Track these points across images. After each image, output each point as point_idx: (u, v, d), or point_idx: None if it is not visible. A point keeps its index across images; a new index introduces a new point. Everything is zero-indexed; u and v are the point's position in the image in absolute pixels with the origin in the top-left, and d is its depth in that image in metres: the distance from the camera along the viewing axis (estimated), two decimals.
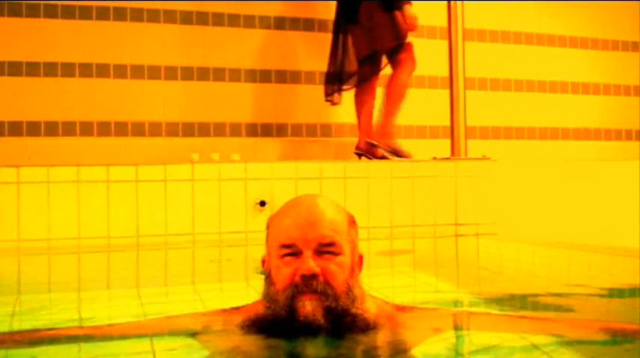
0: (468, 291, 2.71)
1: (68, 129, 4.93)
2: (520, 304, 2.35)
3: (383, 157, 4.83)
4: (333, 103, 5.17)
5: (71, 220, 3.83)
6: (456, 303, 2.37)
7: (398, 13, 4.82)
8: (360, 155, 4.96)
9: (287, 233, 1.61)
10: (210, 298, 2.53)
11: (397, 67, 4.97)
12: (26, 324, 2.13)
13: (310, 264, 1.56)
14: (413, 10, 4.85)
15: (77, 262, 3.70)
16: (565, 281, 3.00)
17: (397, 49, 4.92)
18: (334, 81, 5.13)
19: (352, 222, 1.68)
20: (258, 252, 4.09)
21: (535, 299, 2.45)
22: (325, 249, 1.59)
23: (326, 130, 5.50)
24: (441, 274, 3.27)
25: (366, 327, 1.59)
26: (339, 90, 5.12)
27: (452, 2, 4.89)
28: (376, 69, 5.03)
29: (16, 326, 2.09)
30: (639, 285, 2.70)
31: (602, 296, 2.57)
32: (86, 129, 4.97)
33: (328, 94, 5.15)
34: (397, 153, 4.86)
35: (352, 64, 5.08)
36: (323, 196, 1.72)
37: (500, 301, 2.40)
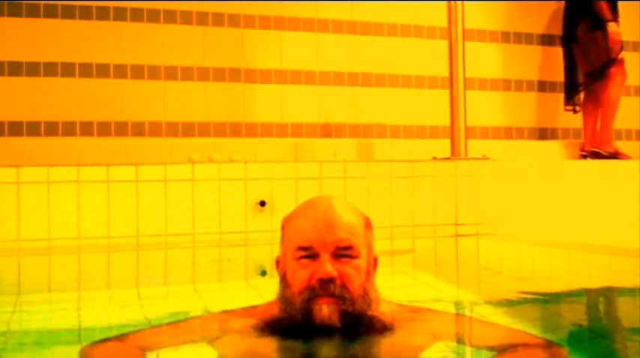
0: (468, 291, 2.71)
1: (68, 129, 4.93)
2: (520, 304, 2.35)
3: (610, 157, 5.46)
4: (575, 111, 5.78)
5: (71, 220, 3.82)
6: (456, 304, 2.37)
7: (608, 30, 5.39)
8: (585, 156, 5.58)
9: (304, 235, 1.59)
10: (210, 298, 2.53)
11: (608, 80, 5.49)
12: (26, 324, 2.13)
13: (328, 267, 1.55)
14: (615, 27, 5.42)
15: (77, 262, 3.70)
16: (565, 281, 3.00)
17: (609, 63, 5.44)
18: (569, 91, 5.80)
19: (368, 224, 1.68)
20: (259, 251, 4.11)
21: (535, 299, 2.45)
22: (342, 252, 1.57)
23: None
24: (441, 274, 3.27)
25: (383, 328, 1.59)
26: (574, 99, 5.78)
27: (452, 2, 4.90)
28: (596, 82, 5.57)
29: (16, 326, 2.09)
30: (639, 285, 2.70)
31: (601, 296, 2.57)
32: (86, 129, 4.97)
33: (567, 103, 5.80)
34: (617, 157, 5.46)
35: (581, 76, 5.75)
36: (338, 197, 1.70)
37: (500, 301, 2.39)
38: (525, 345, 1.52)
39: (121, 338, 1.63)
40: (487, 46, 6.03)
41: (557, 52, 6.22)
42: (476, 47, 5.76)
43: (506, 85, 6.11)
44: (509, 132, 6.08)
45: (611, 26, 5.41)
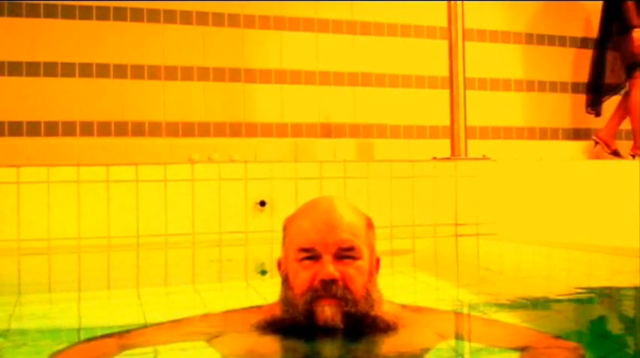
0: (468, 291, 2.71)
1: (68, 129, 4.93)
2: (520, 304, 2.35)
3: (614, 153, 5.65)
4: (597, 115, 5.85)
5: (71, 220, 3.82)
6: (456, 303, 2.37)
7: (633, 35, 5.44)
8: (634, 156, 5.64)
9: (306, 236, 1.58)
10: (210, 298, 2.52)
11: (632, 85, 5.55)
12: (26, 324, 2.13)
13: (330, 268, 1.54)
14: (639, 34, 5.44)
15: (77, 262, 3.70)
16: (565, 281, 3.00)
17: (633, 67, 5.50)
18: (595, 92, 5.83)
19: (370, 224, 1.67)
20: (259, 251, 4.10)
21: (535, 299, 2.45)
22: (345, 253, 1.57)
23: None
24: (441, 274, 3.27)
25: (387, 328, 1.59)
26: (600, 101, 5.84)
27: (452, 2, 4.90)
28: (623, 83, 5.68)
29: (16, 326, 2.09)
30: (639, 285, 2.70)
31: (601, 296, 2.57)
32: (86, 129, 4.97)
33: (592, 105, 5.84)
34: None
35: (610, 77, 5.80)
36: (340, 198, 1.70)
37: (500, 301, 2.40)
38: (545, 344, 1.51)
39: (120, 335, 1.64)
40: (488, 46, 6.03)
41: (559, 53, 6.24)
42: (476, 47, 5.76)
43: (506, 84, 6.11)
44: (509, 132, 6.08)
45: (637, 32, 5.44)
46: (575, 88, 6.28)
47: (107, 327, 1.81)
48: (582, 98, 6.25)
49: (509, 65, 6.12)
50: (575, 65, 6.29)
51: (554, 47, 6.24)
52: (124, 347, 1.56)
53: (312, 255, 1.57)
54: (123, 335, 1.63)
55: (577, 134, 6.23)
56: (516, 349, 1.49)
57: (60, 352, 1.54)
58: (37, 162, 4.17)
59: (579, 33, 6.33)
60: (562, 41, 6.26)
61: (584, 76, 6.25)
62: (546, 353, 1.47)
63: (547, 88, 6.22)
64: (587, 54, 6.27)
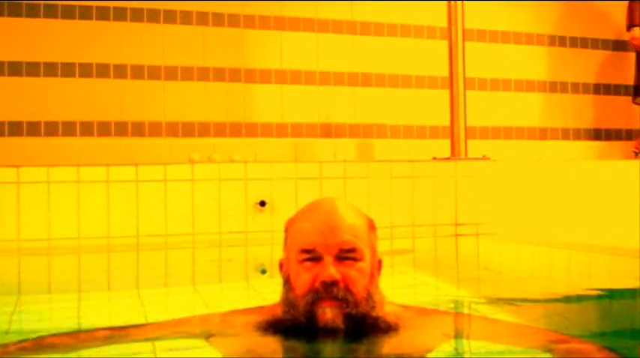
0: (468, 291, 2.71)
1: (68, 129, 4.93)
2: (520, 304, 2.35)
3: None
4: None
5: (71, 220, 3.82)
6: (456, 304, 2.37)
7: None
8: (637, 154, 5.72)
9: (307, 238, 1.59)
10: (210, 298, 2.53)
11: None
12: (26, 324, 2.12)
13: (331, 270, 1.54)
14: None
15: (77, 262, 3.70)
16: (565, 281, 3.00)
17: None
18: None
19: (371, 226, 1.67)
20: (259, 251, 4.10)
21: (535, 299, 2.45)
22: (346, 254, 1.57)
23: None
24: (441, 274, 3.27)
25: (388, 328, 1.59)
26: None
27: (452, 2, 4.90)
28: None
29: (16, 326, 2.09)
30: (639, 285, 2.70)
31: (601, 296, 2.57)
32: (86, 129, 4.97)
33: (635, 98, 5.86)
34: None
35: None
36: (342, 199, 1.70)
37: (500, 301, 2.40)
38: (560, 344, 1.51)
39: (118, 330, 1.65)
40: (488, 46, 6.03)
41: (560, 53, 6.24)
42: (477, 47, 5.76)
43: (506, 84, 6.11)
44: (508, 132, 6.08)
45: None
46: (575, 88, 6.28)
47: (107, 327, 1.81)
48: (584, 98, 6.27)
49: (509, 65, 6.12)
50: (576, 65, 6.29)
51: (554, 47, 6.24)
52: (116, 339, 1.57)
53: (313, 257, 1.57)
54: (120, 331, 1.64)
55: (576, 134, 6.23)
56: (527, 347, 1.49)
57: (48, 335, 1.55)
58: (37, 162, 4.17)
59: (582, 34, 6.32)
60: (562, 41, 6.26)
61: (585, 77, 6.26)
62: (580, 351, 1.47)
63: (547, 89, 6.22)
64: (589, 54, 6.28)
